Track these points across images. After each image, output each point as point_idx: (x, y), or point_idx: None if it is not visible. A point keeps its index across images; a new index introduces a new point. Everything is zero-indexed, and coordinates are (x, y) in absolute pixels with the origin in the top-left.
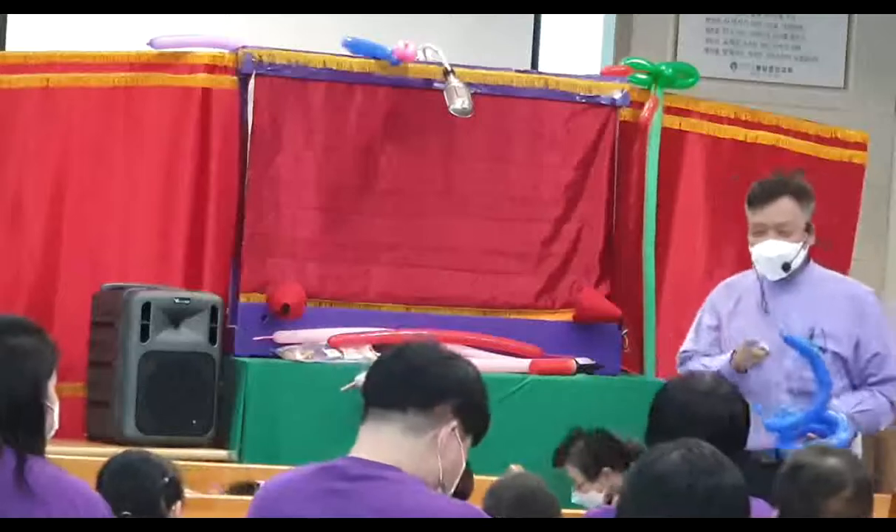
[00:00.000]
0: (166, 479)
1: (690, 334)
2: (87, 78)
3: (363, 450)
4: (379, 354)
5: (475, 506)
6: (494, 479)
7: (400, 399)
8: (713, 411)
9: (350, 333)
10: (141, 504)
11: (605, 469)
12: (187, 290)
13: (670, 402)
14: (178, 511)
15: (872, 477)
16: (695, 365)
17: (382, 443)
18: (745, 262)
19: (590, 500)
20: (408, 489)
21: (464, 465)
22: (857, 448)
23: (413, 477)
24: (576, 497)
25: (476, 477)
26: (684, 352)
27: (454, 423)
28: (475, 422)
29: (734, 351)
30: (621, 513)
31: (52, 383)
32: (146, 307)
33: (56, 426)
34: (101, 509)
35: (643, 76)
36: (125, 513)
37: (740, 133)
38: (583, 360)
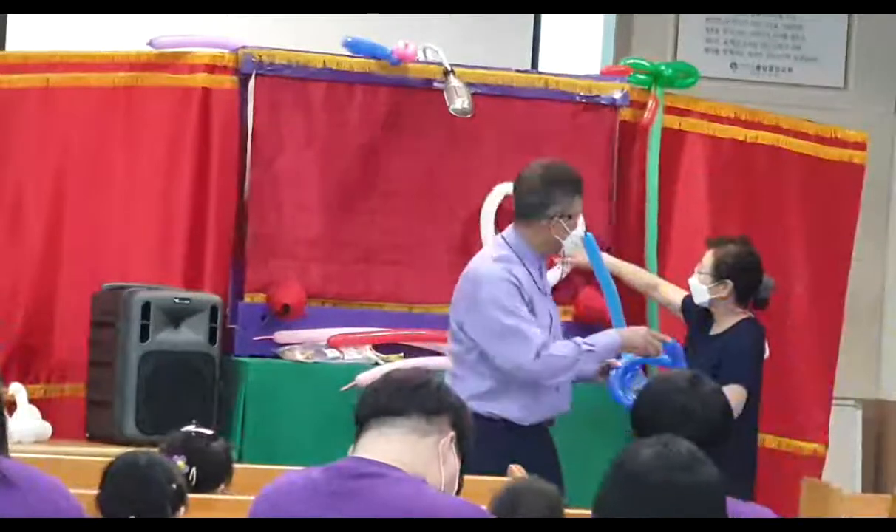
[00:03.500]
0: (174, 486)
1: (531, 328)
2: (87, 78)
3: (367, 452)
4: (371, 382)
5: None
6: (493, 479)
7: (403, 405)
8: (706, 408)
9: (350, 333)
10: (146, 510)
11: None
12: (187, 290)
13: (661, 403)
14: (180, 515)
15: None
16: (565, 348)
17: (388, 443)
18: None
19: None
20: (414, 486)
21: (457, 482)
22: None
23: (419, 476)
24: None
25: (475, 477)
26: (544, 344)
27: (452, 434)
28: (466, 443)
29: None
30: (599, 510)
31: None
32: (146, 307)
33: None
34: (74, 499)
35: (643, 76)
36: (129, 517)
37: (740, 133)
38: None
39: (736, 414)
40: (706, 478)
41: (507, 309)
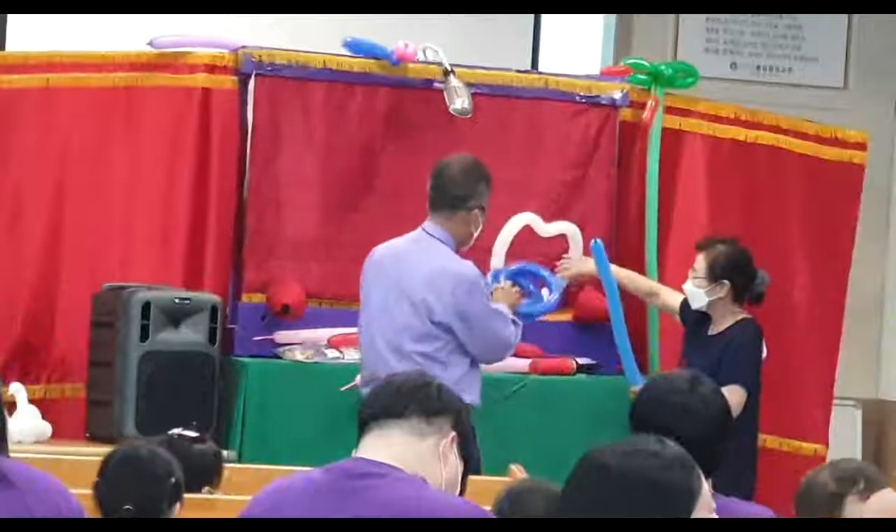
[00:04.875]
0: (172, 480)
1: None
2: (87, 78)
3: (368, 453)
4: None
5: (483, 506)
6: (493, 479)
7: (402, 407)
8: (706, 408)
9: (350, 333)
10: (144, 503)
11: None
12: (187, 290)
13: (660, 402)
14: (177, 512)
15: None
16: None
17: (388, 444)
18: None
19: None
20: (415, 486)
21: (459, 484)
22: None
23: (419, 477)
24: None
25: (474, 477)
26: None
27: (453, 435)
28: (467, 445)
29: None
30: (565, 504)
31: None
32: (146, 307)
33: None
34: (73, 499)
35: (643, 76)
36: (126, 508)
37: (740, 133)
38: (583, 360)
39: (735, 414)
40: (673, 478)
41: (488, 296)
